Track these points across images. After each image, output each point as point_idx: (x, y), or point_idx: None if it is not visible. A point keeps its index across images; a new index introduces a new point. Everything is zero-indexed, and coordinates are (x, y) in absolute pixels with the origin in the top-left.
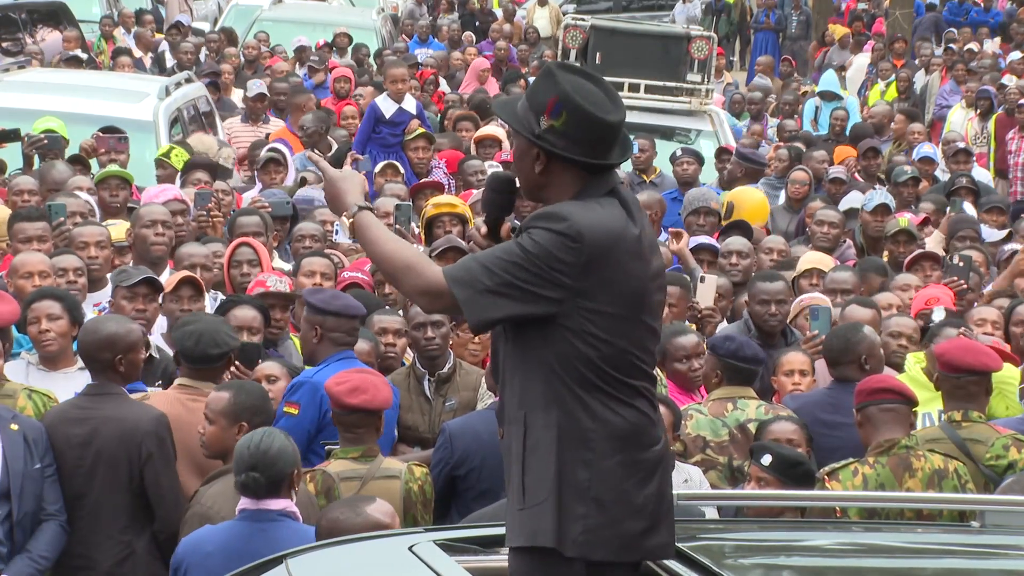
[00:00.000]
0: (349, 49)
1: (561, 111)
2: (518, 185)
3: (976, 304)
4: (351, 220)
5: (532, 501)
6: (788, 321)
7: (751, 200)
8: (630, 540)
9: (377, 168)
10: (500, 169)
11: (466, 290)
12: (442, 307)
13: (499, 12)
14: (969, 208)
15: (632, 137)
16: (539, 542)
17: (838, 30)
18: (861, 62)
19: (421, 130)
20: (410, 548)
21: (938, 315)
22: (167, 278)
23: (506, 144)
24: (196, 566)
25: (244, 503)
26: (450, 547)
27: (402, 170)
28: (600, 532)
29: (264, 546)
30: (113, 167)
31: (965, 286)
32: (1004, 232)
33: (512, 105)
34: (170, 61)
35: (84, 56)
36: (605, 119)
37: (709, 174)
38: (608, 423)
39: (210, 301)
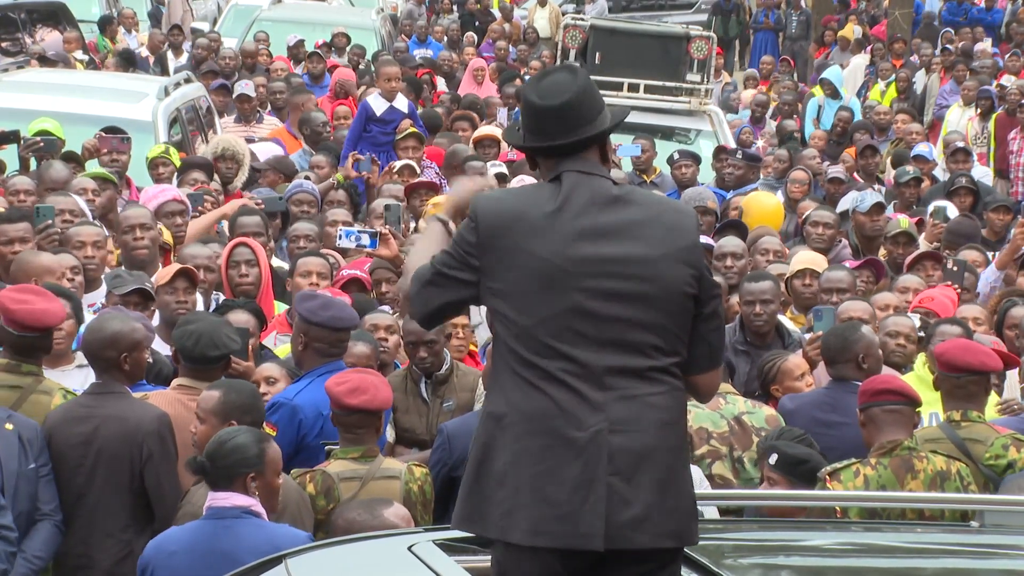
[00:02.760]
0: (347, 49)
1: (520, 101)
2: None
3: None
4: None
5: (463, 485)
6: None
7: (765, 207)
8: (543, 525)
9: (396, 167)
10: (503, 169)
11: (415, 284)
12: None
13: (498, 13)
14: (952, 211)
15: (632, 138)
16: (459, 526)
17: (848, 30)
18: (857, 63)
19: (412, 129)
20: (410, 548)
21: (915, 322)
22: (160, 272)
23: (504, 144)
24: (161, 566)
25: (209, 499)
26: (450, 547)
27: (419, 170)
28: (515, 514)
29: (229, 544)
30: (96, 168)
31: (960, 291)
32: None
33: None
34: (172, 62)
35: (84, 57)
36: (535, 103)
37: (706, 174)
38: (519, 406)
39: (212, 303)
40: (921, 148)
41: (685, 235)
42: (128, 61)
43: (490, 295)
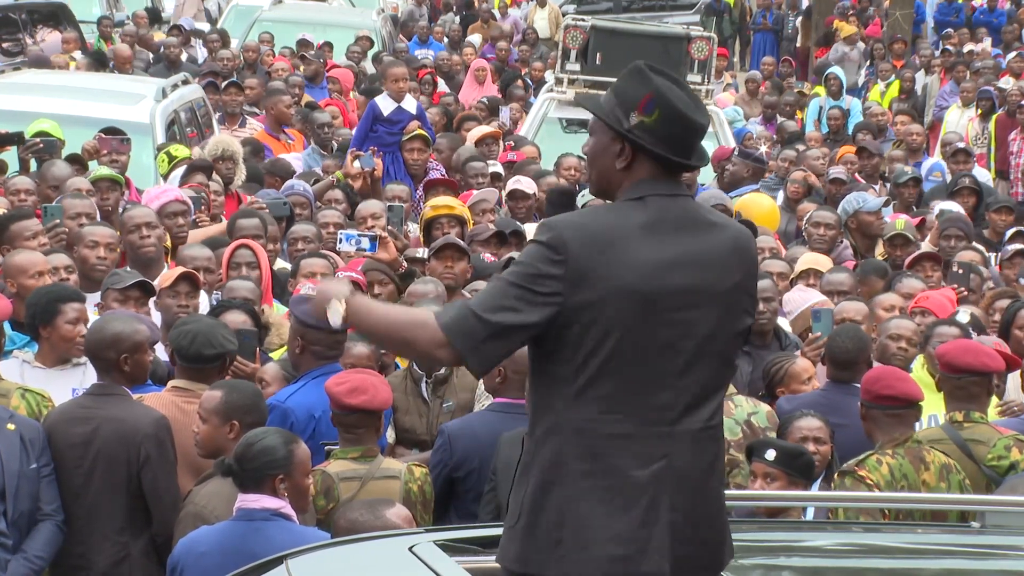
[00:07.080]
0: (369, 53)
1: (655, 108)
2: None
3: (978, 305)
4: (344, 308)
5: (509, 522)
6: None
7: (761, 208)
8: (605, 565)
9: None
10: (499, 168)
11: (466, 341)
12: (452, 359)
13: (499, 14)
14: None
15: None
16: (512, 565)
17: (844, 28)
18: (851, 54)
19: (419, 130)
20: (410, 548)
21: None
22: (164, 274)
23: (503, 144)
24: (191, 566)
25: (238, 501)
26: (450, 547)
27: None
28: (580, 553)
29: (258, 545)
30: (104, 169)
31: (966, 293)
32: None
33: (596, 99)
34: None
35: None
36: (695, 119)
37: (706, 174)
38: (581, 441)
39: (212, 303)
40: (932, 163)
41: (751, 260)
42: (99, 62)
43: (565, 323)
